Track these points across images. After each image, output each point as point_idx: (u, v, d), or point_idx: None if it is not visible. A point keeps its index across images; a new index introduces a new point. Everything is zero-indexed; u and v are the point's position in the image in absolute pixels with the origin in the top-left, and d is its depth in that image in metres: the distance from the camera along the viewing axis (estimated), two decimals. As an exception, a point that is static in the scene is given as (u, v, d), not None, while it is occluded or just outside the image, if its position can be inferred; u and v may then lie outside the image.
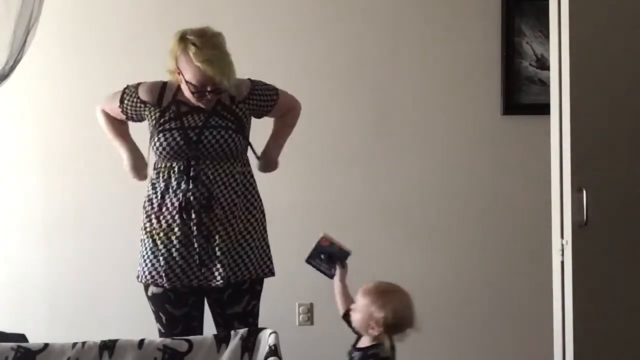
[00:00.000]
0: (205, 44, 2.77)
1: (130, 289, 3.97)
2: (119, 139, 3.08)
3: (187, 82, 2.81)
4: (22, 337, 3.08)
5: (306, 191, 3.98)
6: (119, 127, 3.07)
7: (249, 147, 2.99)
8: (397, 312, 2.44)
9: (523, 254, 4.04)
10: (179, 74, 2.83)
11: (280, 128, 3.11)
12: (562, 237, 2.98)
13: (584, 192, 2.92)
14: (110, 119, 3.06)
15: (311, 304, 4.02)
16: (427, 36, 4.05)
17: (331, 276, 2.74)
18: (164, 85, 2.95)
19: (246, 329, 2.47)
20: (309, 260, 2.77)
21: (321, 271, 2.79)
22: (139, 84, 2.98)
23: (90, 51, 3.98)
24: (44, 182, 3.99)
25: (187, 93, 2.85)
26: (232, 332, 2.45)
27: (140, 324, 3.92)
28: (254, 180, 2.98)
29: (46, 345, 2.41)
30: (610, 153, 3.04)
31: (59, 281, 3.99)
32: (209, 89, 2.81)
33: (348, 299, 2.69)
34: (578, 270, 2.94)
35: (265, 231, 3.00)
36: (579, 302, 2.95)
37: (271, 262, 2.99)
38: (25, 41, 3.03)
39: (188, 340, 2.44)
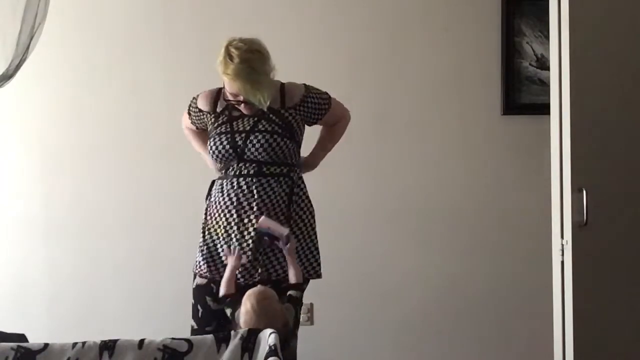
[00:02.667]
0: (239, 57, 2.83)
1: (130, 289, 4.00)
2: (202, 149, 3.18)
3: (226, 91, 2.95)
4: (22, 337, 3.08)
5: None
6: (201, 138, 3.17)
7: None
8: None
9: (523, 254, 4.04)
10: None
11: (328, 136, 3.18)
12: (562, 237, 2.98)
13: (584, 192, 2.92)
14: (192, 132, 3.21)
15: (311, 304, 4.02)
16: (427, 36, 4.05)
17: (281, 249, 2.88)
18: (219, 91, 3.05)
19: (246, 329, 2.47)
20: (257, 237, 2.88)
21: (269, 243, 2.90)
22: (198, 94, 3.10)
23: (93, 52, 3.99)
24: (45, 182, 4.00)
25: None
26: (232, 332, 2.45)
27: (140, 324, 3.94)
28: (304, 183, 3.03)
29: (46, 345, 2.40)
30: (610, 153, 3.05)
31: (59, 281, 4.00)
32: (241, 98, 2.90)
33: (296, 270, 2.85)
34: (578, 270, 2.94)
35: (315, 234, 3.03)
36: (579, 302, 2.95)
37: (318, 265, 3.02)
38: (30, 42, 3.04)
39: (188, 340, 2.44)
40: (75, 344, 2.40)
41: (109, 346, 2.39)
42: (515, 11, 4.02)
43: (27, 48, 3.06)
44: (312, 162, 3.19)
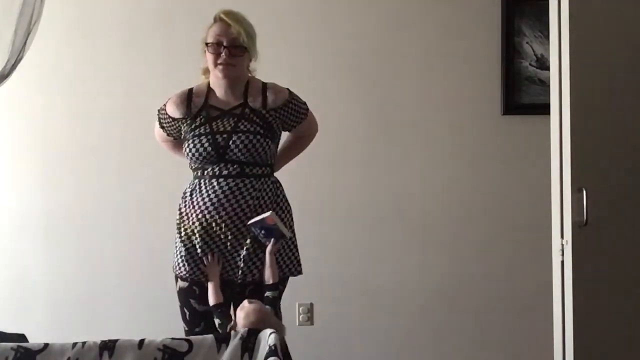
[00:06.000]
0: (230, 11, 2.93)
1: (130, 289, 4.00)
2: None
3: (207, 45, 2.92)
4: (22, 337, 3.08)
5: (306, 191, 3.98)
6: (179, 146, 3.09)
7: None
8: None
9: (523, 254, 4.04)
10: (205, 51, 2.94)
11: (295, 146, 3.18)
12: (562, 237, 2.98)
13: (584, 192, 2.92)
14: (171, 145, 3.15)
15: (311, 304, 4.02)
16: (427, 36, 4.05)
17: (265, 245, 2.90)
18: (189, 93, 3.01)
19: (246, 329, 2.47)
20: (250, 225, 2.87)
21: (257, 238, 2.89)
22: (166, 103, 3.04)
23: (92, 51, 3.99)
24: (44, 182, 4.00)
25: (209, 61, 2.94)
26: (232, 332, 2.45)
27: (140, 324, 3.94)
28: (281, 184, 3.03)
29: (46, 345, 2.41)
30: (610, 153, 3.04)
31: (59, 281, 4.00)
32: (225, 43, 2.89)
33: (274, 271, 2.90)
34: (578, 270, 2.94)
35: (294, 233, 3.04)
36: (579, 302, 2.95)
37: (299, 263, 3.03)
38: (26, 41, 3.03)
39: (188, 340, 2.44)
40: (75, 344, 2.40)
41: (109, 346, 2.40)
42: (515, 11, 4.02)
43: (23, 47, 3.04)
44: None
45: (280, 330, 2.57)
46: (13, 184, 4.01)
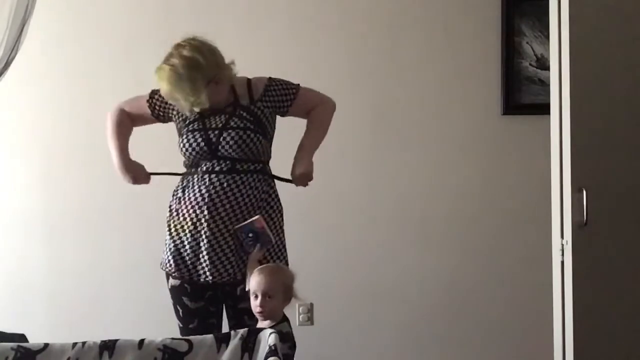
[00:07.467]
0: (175, 58, 2.85)
1: (130, 289, 4.00)
2: (116, 140, 3.09)
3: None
4: (22, 337, 3.08)
5: (306, 191, 3.97)
6: (125, 129, 3.09)
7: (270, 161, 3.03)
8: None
9: (523, 254, 4.04)
10: None
11: (309, 124, 3.10)
12: (562, 237, 2.99)
13: (584, 192, 2.92)
14: (122, 119, 3.10)
15: (311, 304, 4.02)
16: (427, 36, 4.05)
17: (248, 252, 2.88)
18: None
19: (246, 329, 2.47)
20: (237, 229, 2.86)
21: (242, 244, 2.88)
22: None
23: (91, 49, 3.99)
24: (44, 182, 4.00)
25: None
26: (232, 332, 2.45)
27: (140, 324, 3.94)
28: (274, 182, 3.02)
29: (46, 345, 2.41)
30: (610, 153, 3.05)
31: (59, 281, 4.00)
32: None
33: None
34: (578, 270, 2.94)
35: (283, 233, 3.02)
36: (579, 302, 2.95)
37: (286, 264, 3.02)
38: (19, 38, 3.02)
39: (188, 340, 2.44)
40: (75, 344, 2.40)
41: (109, 346, 2.40)
42: (515, 11, 4.02)
43: (15, 44, 3.03)
44: (299, 170, 3.00)
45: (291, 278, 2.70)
46: (14, 184, 4.01)
